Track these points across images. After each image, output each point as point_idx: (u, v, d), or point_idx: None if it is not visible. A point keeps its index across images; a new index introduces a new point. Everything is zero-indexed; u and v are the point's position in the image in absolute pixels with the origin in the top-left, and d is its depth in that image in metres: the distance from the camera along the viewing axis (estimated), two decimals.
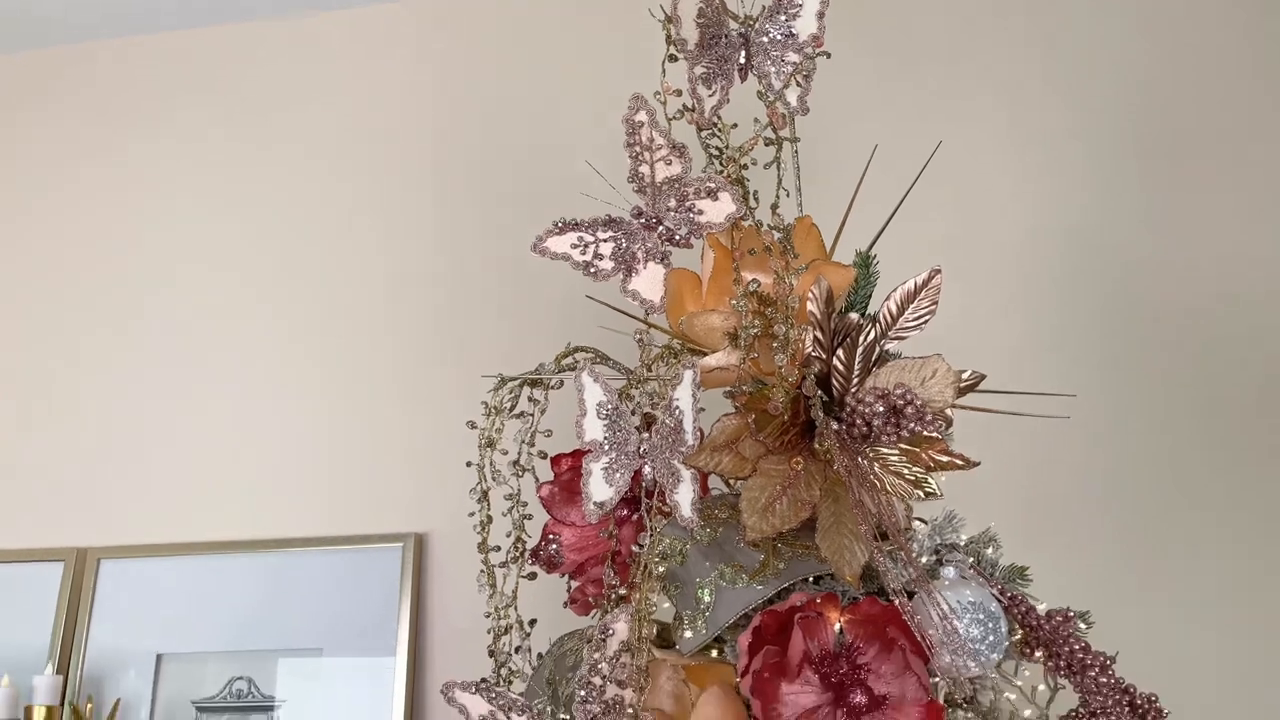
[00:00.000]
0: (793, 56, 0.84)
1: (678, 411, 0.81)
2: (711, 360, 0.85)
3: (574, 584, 0.95)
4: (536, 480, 0.95)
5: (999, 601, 0.80)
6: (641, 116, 0.83)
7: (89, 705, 1.30)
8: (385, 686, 1.27)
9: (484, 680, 0.85)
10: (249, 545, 1.37)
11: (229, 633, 1.34)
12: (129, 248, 1.56)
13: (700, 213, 0.85)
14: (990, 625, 0.78)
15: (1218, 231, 1.32)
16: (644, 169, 0.84)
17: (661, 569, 0.82)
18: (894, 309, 0.82)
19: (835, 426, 0.80)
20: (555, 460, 0.94)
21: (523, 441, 0.95)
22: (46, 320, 1.55)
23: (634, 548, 0.84)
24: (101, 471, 1.46)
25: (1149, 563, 1.22)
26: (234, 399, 1.46)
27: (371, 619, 1.31)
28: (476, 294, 1.45)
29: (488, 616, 0.93)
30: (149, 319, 1.52)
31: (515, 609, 0.94)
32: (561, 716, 0.81)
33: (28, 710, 1.25)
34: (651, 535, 0.82)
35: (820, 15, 0.84)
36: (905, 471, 0.81)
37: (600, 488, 0.83)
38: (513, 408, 0.96)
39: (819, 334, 0.81)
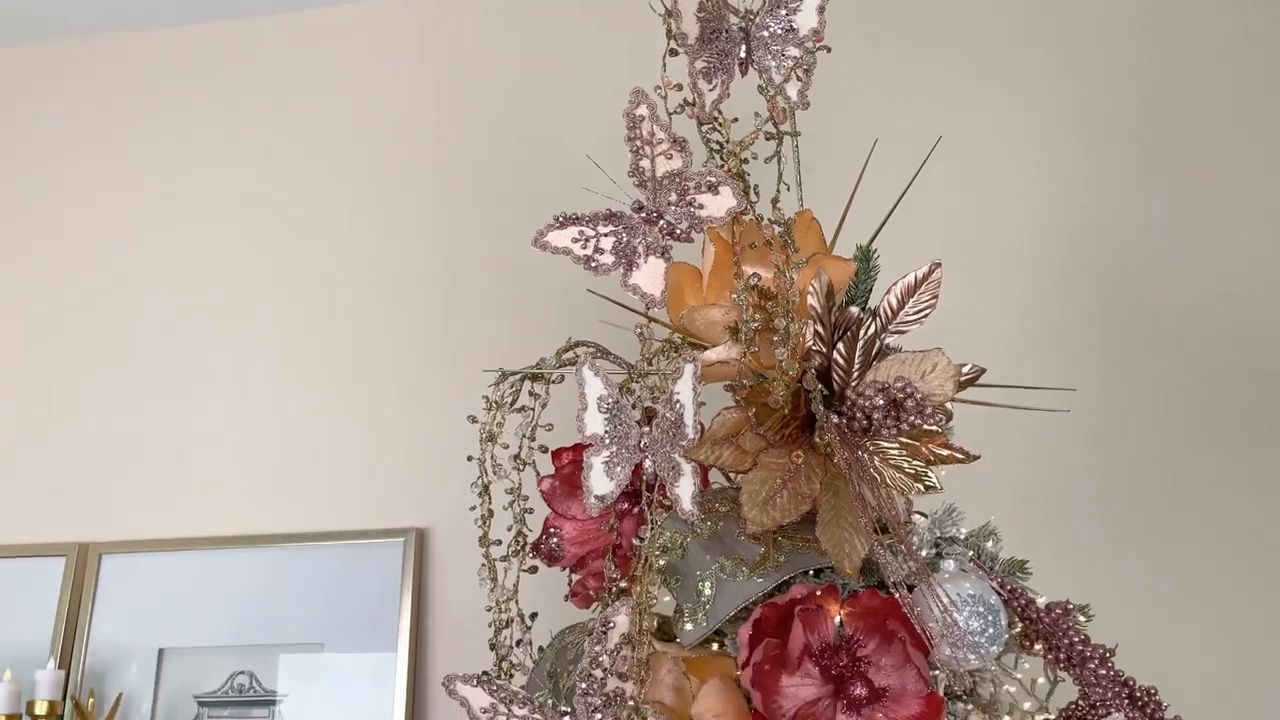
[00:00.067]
0: (793, 51, 0.84)
1: (678, 405, 0.81)
2: (712, 354, 0.85)
3: (575, 577, 0.95)
4: (537, 474, 0.95)
5: (999, 594, 0.81)
6: (642, 110, 0.83)
7: (91, 700, 1.30)
8: (387, 681, 1.28)
9: (485, 673, 0.85)
10: (251, 540, 1.37)
11: (231, 627, 1.34)
12: (129, 246, 1.56)
13: (701, 207, 0.85)
14: (990, 618, 0.78)
15: (1219, 230, 1.32)
16: (645, 163, 0.84)
17: (662, 562, 0.82)
18: (894, 303, 0.82)
19: (835, 420, 0.80)
20: (556, 454, 0.95)
21: (523, 436, 0.95)
22: (47, 318, 1.55)
23: (635, 541, 0.84)
24: (103, 467, 1.46)
25: (1148, 557, 1.22)
26: (235, 395, 1.46)
27: (373, 614, 1.31)
28: (476, 290, 1.45)
29: (489, 610, 0.93)
30: (149, 317, 1.52)
31: (516, 603, 0.94)
32: (563, 709, 0.82)
33: (30, 705, 1.26)
34: (652, 529, 0.82)
35: (821, 10, 0.85)
36: (905, 465, 0.81)
37: (601, 481, 0.83)
38: (513, 402, 0.96)
39: (819, 328, 0.81)
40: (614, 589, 0.85)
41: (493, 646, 0.93)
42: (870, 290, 0.90)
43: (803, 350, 0.81)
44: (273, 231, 1.53)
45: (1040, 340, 1.30)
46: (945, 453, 0.81)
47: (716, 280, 0.88)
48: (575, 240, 0.87)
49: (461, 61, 1.55)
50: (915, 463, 0.81)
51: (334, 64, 1.58)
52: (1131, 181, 1.34)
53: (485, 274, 1.45)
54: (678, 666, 0.83)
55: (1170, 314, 1.30)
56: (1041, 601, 0.82)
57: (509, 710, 0.83)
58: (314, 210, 1.53)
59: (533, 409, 0.96)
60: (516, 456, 0.94)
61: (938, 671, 0.79)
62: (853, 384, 0.80)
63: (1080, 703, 0.81)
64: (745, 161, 0.85)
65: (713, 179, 0.84)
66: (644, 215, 0.86)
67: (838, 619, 0.77)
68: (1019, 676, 0.83)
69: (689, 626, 0.81)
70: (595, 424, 0.84)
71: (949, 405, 0.82)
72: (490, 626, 0.93)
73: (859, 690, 0.75)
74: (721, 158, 0.85)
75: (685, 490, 0.80)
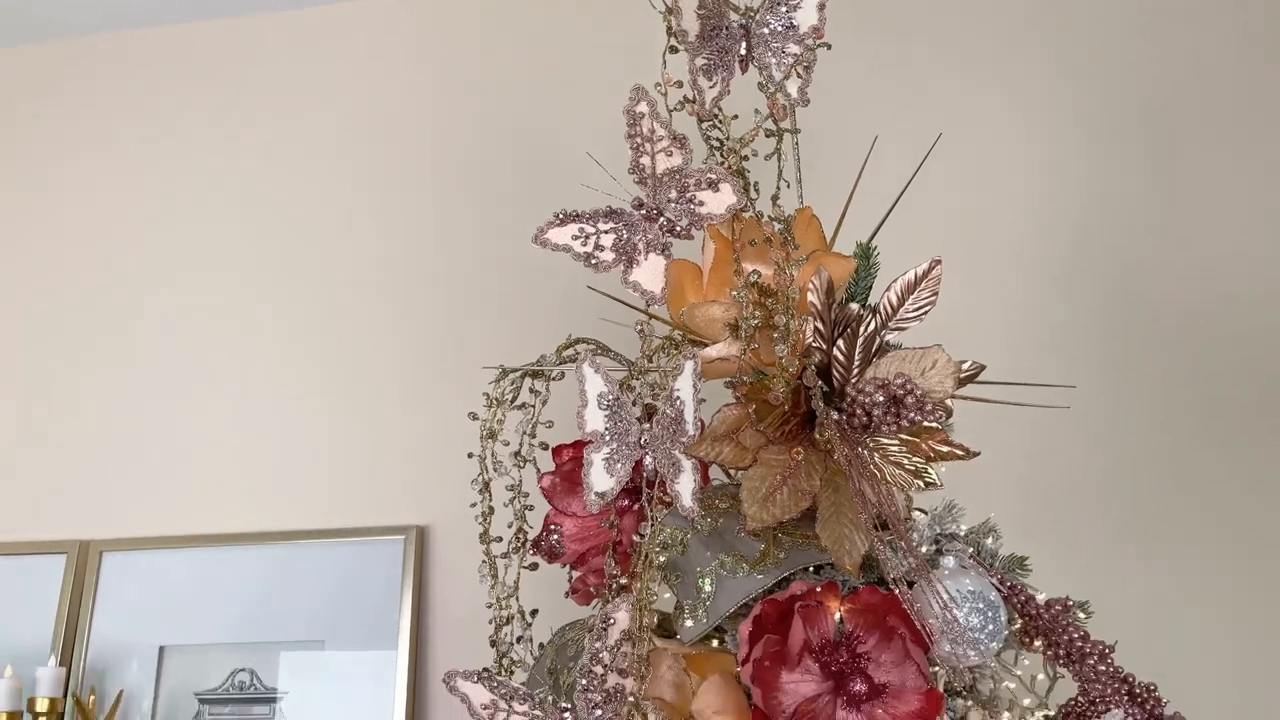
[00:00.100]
0: (793, 48, 0.84)
1: (679, 402, 0.81)
2: (712, 351, 0.85)
3: (575, 574, 0.95)
4: (538, 471, 0.95)
5: (998, 591, 0.81)
6: (642, 108, 0.83)
7: (92, 697, 1.30)
8: (387, 678, 1.28)
9: (486, 670, 0.85)
10: (251, 538, 1.38)
11: (232, 625, 1.34)
12: (129, 246, 1.56)
13: (701, 204, 0.85)
14: (990, 614, 0.78)
15: (1219, 228, 1.32)
16: (645, 160, 0.84)
17: (662, 558, 0.82)
18: (894, 300, 0.82)
19: (835, 416, 0.80)
20: (556, 451, 0.95)
21: (524, 433, 0.95)
22: (47, 316, 1.55)
23: (635, 538, 0.84)
24: (103, 465, 1.46)
25: (1148, 555, 1.22)
26: (235, 393, 1.46)
27: (373, 611, 1.31)
28: (477, 288, 1.45)
29: (489, 607, 0.93)
30: (149, 317, 1.52)
31: (517, 599, 0.94)
32: (563, 705, 0.82)
33: (31, 702, 1.26)
34: (652, 525, 0.82)
35: (821, 7, 0.85)
36: (905, 461, 0.81)
37: (601, 478, 0.83)
38: (514, 399, 0.96)
39: (819, 324, 0.81)
40: (614, 585, 0.85)
41: (493, 643, 0.93)
42: (870, 288, 0.91)
43: (803, 347, 0.81)
44: (272, 231, 1.53)
45: (1040, 337, 1.30)
46: (945, 449, 0.81)
47: (716, 277, 0.88)
48: (575, 237, 0.87)
49: (459, 60, 1.55)
50: (915, 459, 0.81)
51: (333, 63, 1.58)
52: (1132, 179, 1.34)
53: (485, 272, 1.45)
54: (678, 663, 0.83)
55: (1170, 312, 1.30)
56: (1041, 598, 0.83)
57: (509, 706, 0.83)
58: (313, 209, 1.53)
59: (533, 406, 0.96)
60: (517, 453, 0.95)
61: (937, 668, 0.79)
62: (853, 380, 0.81)
63: (1080, 699, 0.81)
64: (745, 159, 0.85)
65: (713, 176, 0.84)
66: (644, 212, 0.86)
67: (838, 615, 0.77)
68: (1019, 673, 0.84)
69: (689, 623, 0.81)
70: (596, 421, 0.85)
71: (949, 402, 0.82)
72: (491, 623, 0.94)
73: (859, 686, 0.76)
74: (722, 155, 0.85)
75: (685, 487, 0.80)
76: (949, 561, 0.81)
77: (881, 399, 0.78)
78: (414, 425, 1.40)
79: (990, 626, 0.78)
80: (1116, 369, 1.29)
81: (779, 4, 0.85)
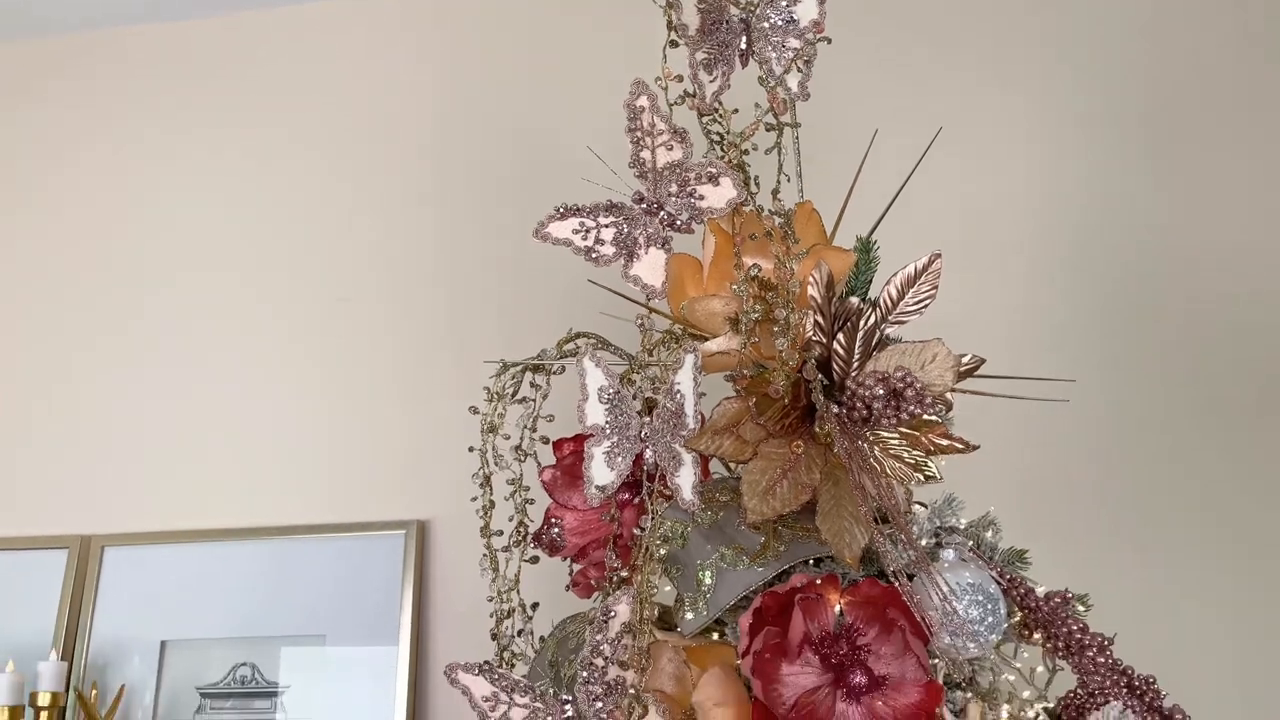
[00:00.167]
0: (794, 42, 0.84)
1: (679, 395, 0.82)
2: (712, 345, 0.86)
3: (576, 567, 0.95)
4: (538, 465, 0.95)
5: (998, 583, 0.81)
6: (643, 101, 0.83)
7: (94, 692, 1.31)
8: (388, 673, 1.28)
9: (487, 663, 0.85)
10: (252, 533, 1.38)
11: (233, 619, 1.34)
12: (129, 243, 1.56)
13: (701, 198, 0.85)
14: (989, 607, 0.79)
15: (1221, 223, 1.32)
16: (645, 154, 0.85)
17: (663, 551, 0.82)
18: (894, 293, 0.82)
19: (835, 410, 0.80)
20: (557, 445, 0.95)
21: (525, 427, 0.95)
22: (49, 312, 1.55)
23: (635, 531, 0.84)
24: (104, 461, 1.46)
25: (1146, 549, 1.22)
26: (236, 388, 1.47)
27: (374, 605, 1.31)
28: (476, 285, 1.45)
29: (490, 600, 0.94)
30: (150, 315, 1.52)
31: (517, 593, 0.94)
32: (564, 697, 0.82)
33: (33, 696, 1.26)
34: (653, 518, 0.82)
35: (821, 1, 0.85)
36: (905, 455, 0.81)
37: (602, 471, 0.83)
38: (515, 393, 0.96)
39: (820, 318, 0.81)
40: (615, 578, 0.85)
41: (494, 636, 0.93)
42: (870, 281, 0.91)
43: (803, 341, 0.81)
44: (272, 231, 1.53)
45: (1040, 331, 1.30)
46: (945, 443, 0.81)
47: (717, 271, 0.88)
48: (576, 231, 0.87)
49: (459, 59, 1.55)
50: (915, 453, 0.81)
51: (333, 62, 1.58)
52: (1132, 175, 1.35)
53: (485, 271, 1.45)
54: (678, 655, 0.84)
55: (1170, 308, 1.30)
56: (1040, 591, 0.83)
57: (510, 699, 0.83)
58: (313, 209, 1.52)
59: (534, 400, 0.96)
60: (518, 447, 0.95)
61: (937, 660, 0.79)
62: (853, 374, 0.81)
63: (1079, 691, 0.82)
64: (745, 153, 0.85)
65: (713, 170, 0.84)
66: (644, 206, 0.86)
67: (838, 608, 0.77)
68: (1018, 665, 0.84)
69: (689, 615, 0.81)
70: (596, 414, 0.85)
71: (949, 395, 0.82)
72: (492, 617, 0.94)
73: (859, 678, 0.76)
74: (722, 149, 0.85)
75: (686, 480, 0.81)
76: (949, 554, 0.82)
77: (881, 392, 0.78)
78: (414, 420, 1.40)
79: (990, 619, 0.79)
80: (1116, 363, 1.29)
81: None
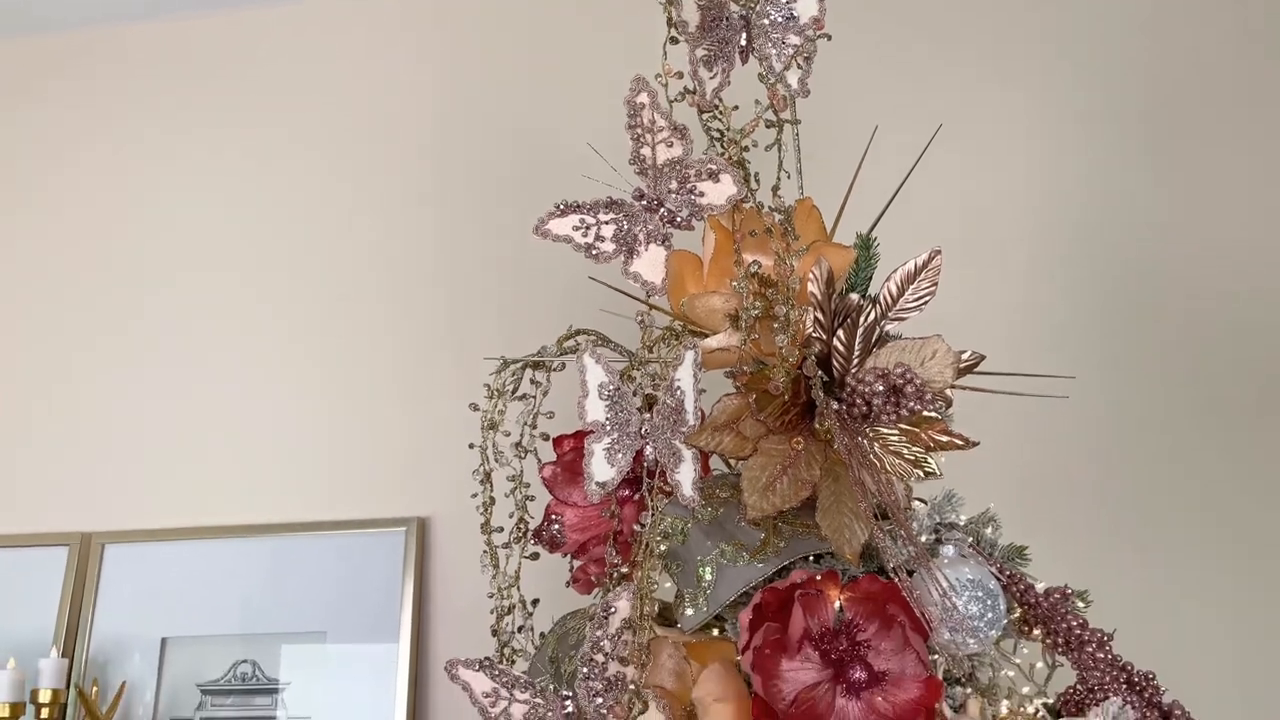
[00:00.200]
0: (794, 39, 0.84)
1: (679, 392, 0.82)
2: (713, 341, 0.86)
3: (576, 564, 0.95)
4: (539, 461, 0.95)
5: (997, 579, 0.81)
6: (643, 98, 0.83)
7: (94, 688, 1.31)
8: (389, 670, 1.28)
9: (487, 659, 0.85)
10: (253, 530, 1.38)
11: (233, 616, 1.35)
12: (129, 243, 1.56)
13: (701, 195, 0.85)
14: (989, 602, 0.79)
15: (1221, 219, 1.32)
16: (645, 151, 0.85)
17: (663, 547, 0.83)
18: (894, 290, 0.82)
19: (835, 406, 0.80)
20: (557, 441, 0.95)
21: (525, 423, 0.96)
22: (49, 312, 1.55)
23: (636, 527, 0.85)
24: (105, 457, 1.46)
25: (1145, 546, 1.22)
26: (236, 385, 1.47)
27: (374, 603, 1.31)
28: (477, 282, 1.45)
29: (491, 597, 0.94)
30: (150, 315, 1.52)
31: (518, 589, 0.94)
32: (564, 693, 0.82)
33: (34, 693, 1.26)
34: (653, 514, 0.83)
35: None
36: (905, 451, 0.81)
37: (602, 468, 0.84)
38: (515, 390, 0.97)
39: (820, 315, 0.81)
40: (615, 575, 0.85)
41: (495, 633, 0.93)
42: (870, 278, 0.91)
43: (803, 337, 0.82)
44: (272, 230, 1.53)
45: (1040, 327, 1.30)
46: (945, 439, 0.81)
47: (717, 268, 0.88)
48: (576, 228, 0.87)
49: (459, 59, 1.54)
50: (915, 449, 0.81)
51: (333, 62, 1.58)
52: (1134, 168, 1.34)
53: (485, 268, 1.45)
54: (678, 651, 0.84)
55: (1170, 305, 1.30)
56: (1040, 587, 0.83)
57: (511, 695, 0.83)
58: (313, 209, 1.52)
59: (534, 397, 0.97)
60: (518, 444, 0.95)
61: (937, 656, 0.79)
62: (853, 370, 0.81)
63: (1078, 687, 0.82)
64: (746, 149, 0.85)
65: (713, 167, 0.84)
66: (645, 203, 0.87)
67: (837, 604, 0.78)
68: (1018, 661, 0.84)
69: (690, 611, 0.81)
70: (596, 411, 0.85)
71: (948, 392, 0.82)
72: (492, 613, 0.94)
73: (858, 674, 0.76)
74: (722, 145, 0.86)
75: (686, 476, 0.81)
76: (948, 550, 0.82)
77: (881, 388, 0.78)
78: (414, 417, 1.40)
79: (989, 615, 0.79)
80: (1116, 360, 1.29)
81: None
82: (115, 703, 1.30)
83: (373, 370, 1.44)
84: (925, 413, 0.79)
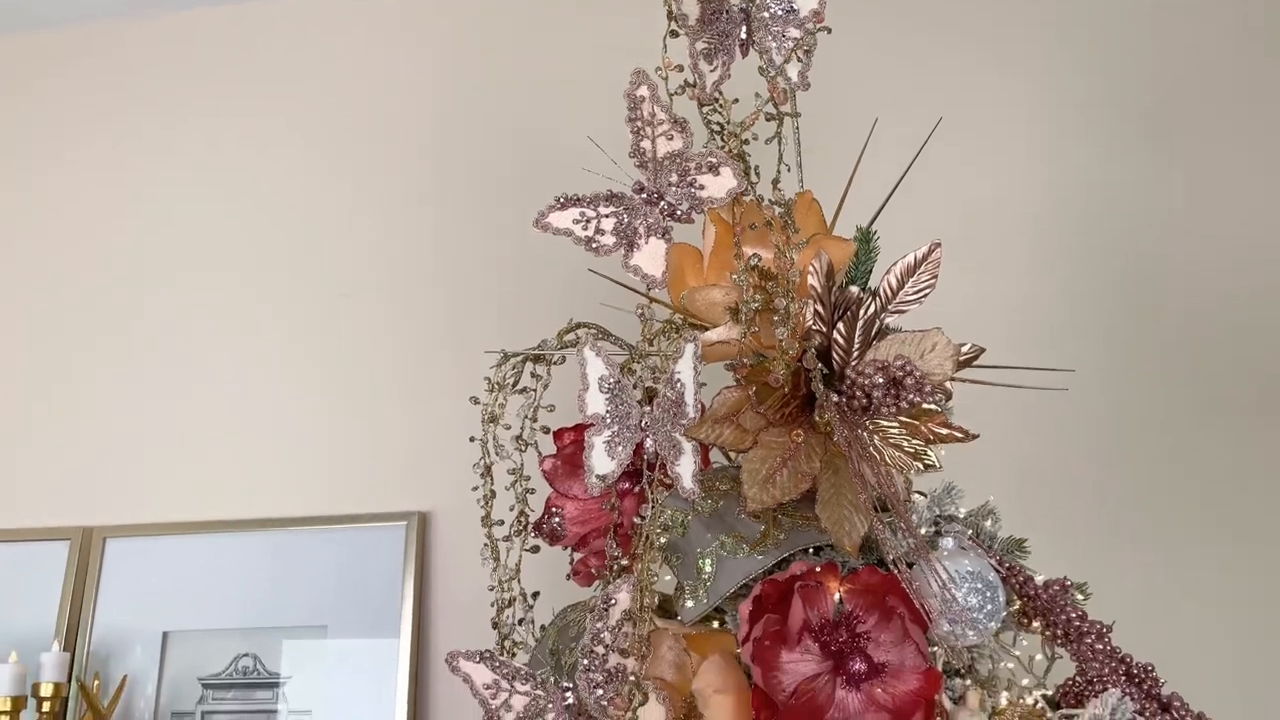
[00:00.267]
0: (794, 32, 0.85)
1: (679, 385, 0.82)
2: (713, 335, 0.86)
3: (576, 556, 0.96)
4: (539, 455, 0.95)
5: (997, 571, 0.81)
6: (643, 91, 0.83)
7: (96, 682, 1.31)
8: (390, 664, 1.29)
9: (488, 651, 0.85)
10: (254, 524, 1.38)
11: (235, 611, 1.35)
12: (129, 243, 1.56)
13: (701, 187, 0.85)
14: (988, 594, 0.79)
15: (1224, 211, 1.32)
16: (645, 144, 0.85)
17: (663, 540, 0.83)
18: (894, 283, 0.82)
19: (835, 399, 0.80)
20: (558, 434, 0.95)
21: (525, 417, 0.96)
22: (49, 312, 1.56)
23: (636, 519, 0.85)
24: (105, 457, 1.46)
25: (1145, 540, 1.22)
26: (237, 379, 1.47)
27: (375, 597, 1.32)
28: (477, 282, 1.45)
29: (491, 590, 0.94)
30: (150, 315, 1.52)
31: (518, 582, 0.95)
32: (565, 685, 0.82)
33: (35, 687, 1.26)
34: (653, 507, 0.83)
35: None
36: (905, 444, 0.81)
37: (602, 461, 0.84)
38: (515, 383, 0.97)
39: (819, 307, 0.81)
40: (615, 567, 0.86)
41: (495, 625, 0.94)
42: (870, 271, 0.91)
43: (803, 330, 0.82)
44: (272, 230, 1.53)
45: (1041, 319, 1.30)
46: (944, 432, 0.81)
47: (717, 261, 0.88)
48: (576, 221, 0.87)
49: (459, 58, 1.54)
50: (914, 441, 0.81)
51: (333, 62, 1.58)
52: (1135, 159, 1.34)
53: (485, 267, 1.45)
54: (678, 643, 0.84)
55: (1171, 298, 1.30)
56: (1039, 579, 0.83)
57: (511, 686, 0.84)
58: (313, 208, 1.52)
59: (534, 390, 0.97)
60: (518, 437, 0.95)
61: (936, 648, 0.79)
62: (852, 363, 0.81)
63: (1077, 679, 0.82)
64: (746, 142, 0.86)
65: (713, 160, 0.84)
66: (645, 196, 0.87)
67: (837, 595, 0.78)
68: (1017, 653, 0.84)
69: (690, 603, 0.81)
70: (597, 404, 0.85)
71: (948, 384, 0.82)
72: (493, 606, 0.94)
73: (858, 665, 0.76)
74: (722, 139, 0.86)
75: (686, 469, 0.81)
76: (948, 543, 0.82)
77: (881, 381, 0.78)
78: (415, 412, 1.41)
79: (989, 606, 0.79)
80: (1116, 353, 1.29)
81: None
82: (117, 696, 1.30)
83: (373, 369, 1.44)
84: (925, 405, 0.79)
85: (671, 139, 0.84)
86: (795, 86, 0.86)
